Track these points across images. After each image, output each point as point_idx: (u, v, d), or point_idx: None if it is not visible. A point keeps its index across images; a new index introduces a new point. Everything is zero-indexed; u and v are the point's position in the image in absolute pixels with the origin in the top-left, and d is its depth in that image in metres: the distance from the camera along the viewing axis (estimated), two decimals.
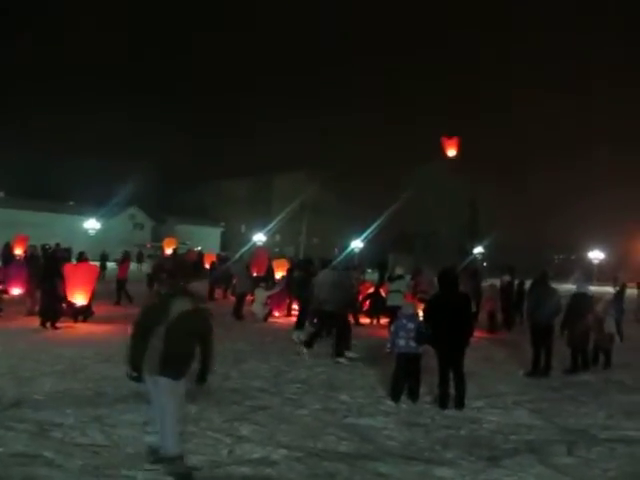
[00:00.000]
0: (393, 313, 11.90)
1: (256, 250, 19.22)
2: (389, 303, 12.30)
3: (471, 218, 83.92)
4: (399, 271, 12.78)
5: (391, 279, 12.64)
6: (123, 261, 17.81)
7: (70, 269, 12.66)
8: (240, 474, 4.77)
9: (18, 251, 20.69)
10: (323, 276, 11.00)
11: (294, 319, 14.19)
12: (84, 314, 12.59)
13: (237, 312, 14.83)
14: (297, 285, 13.94)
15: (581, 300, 9.46)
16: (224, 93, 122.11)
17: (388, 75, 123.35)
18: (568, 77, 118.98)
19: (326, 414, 6.56)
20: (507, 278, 15.59)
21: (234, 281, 18.64)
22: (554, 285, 9.97)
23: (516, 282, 15.73)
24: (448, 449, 5.58)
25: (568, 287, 10.02)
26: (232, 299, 17.32)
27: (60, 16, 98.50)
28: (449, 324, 6.95)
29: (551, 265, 58.62)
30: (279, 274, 19.57)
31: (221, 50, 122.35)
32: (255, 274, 18.59)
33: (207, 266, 22.70)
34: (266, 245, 38.94)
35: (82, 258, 15.12)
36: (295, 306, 15.07)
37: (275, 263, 21.07)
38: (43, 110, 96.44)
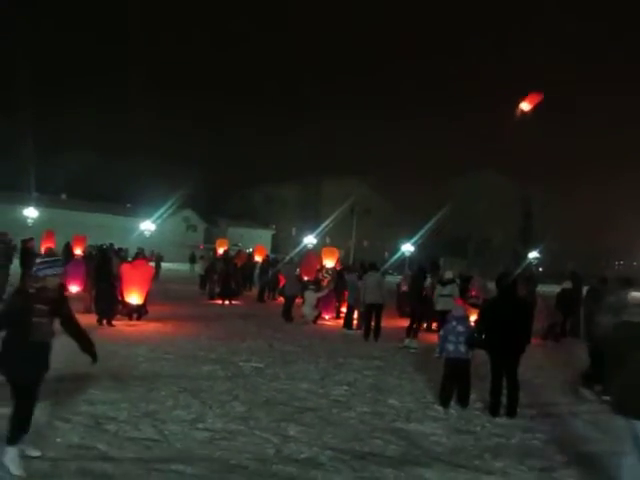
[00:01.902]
0: (443, 317, 11.89)
1: (306, 254, 19.27)
2: (439, 307, 12.20)
3: (525, 223, 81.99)
4: (449, 275, 12.61)
5: (442, 283, 12.48)
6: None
7: (127, 269, 13.03)
8: (286, 474, 4.79)
9: (77, 251, 21.48)
10: (369, 278, 12.58)
11: (342, 322, 14.25)
12: (139, 312, 12.92)
13: (287, 314, 14.93)
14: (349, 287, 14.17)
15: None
16: (273, 97, 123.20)
17: (439, 79, 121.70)
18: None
19: (374, 418, 6.51)
20: (568, 285, 15.03)
21: (282, 283, 18.81)
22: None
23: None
24: (498, 458, 5.44)
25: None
26: (281, 300, 17.47)
27: (125, 14, 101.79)
28: (504, 329, 6.76)
29: (609, 271, 56.48)
30: (329, 262, 19.64)
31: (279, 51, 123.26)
32: (305, 278, 18.67)
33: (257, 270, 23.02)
34: (316, 248, 39.02)
35: (139, 255, 15.54)
36: (343, 309, 15.07)
37: (324, 251, 21.13)
38: (103, 111, 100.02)
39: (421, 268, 14.10)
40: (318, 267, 19.75)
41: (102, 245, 18.10)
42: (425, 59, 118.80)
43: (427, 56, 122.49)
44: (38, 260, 5.00)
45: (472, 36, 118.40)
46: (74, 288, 16.26)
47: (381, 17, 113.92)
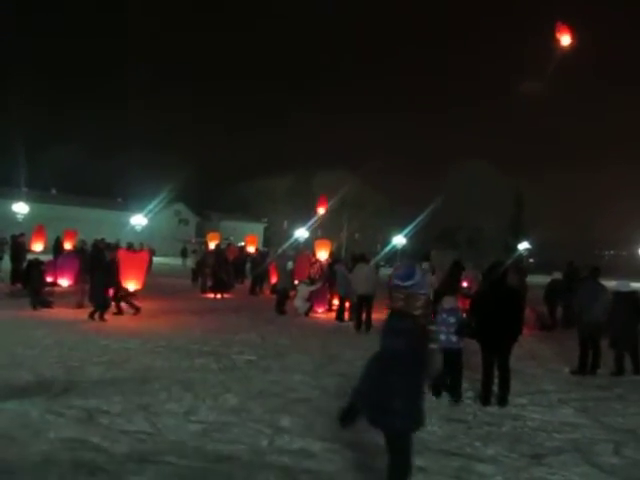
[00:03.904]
0: None
1: (300, 256, 19.32)
2: None
3: (516, 214, 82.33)
4: (425, 266, 12.67)
5: None
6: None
7: (123, 255, 13.02)
8: (280, 464, 4.83)
9: (67, 245, 21.40)
10: (359, 270, 12.79)
11: (334, 314, 14.29)
12: (133, 306, 12.85)
13: (279, 307, 14.95)
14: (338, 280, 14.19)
15: (623, 299, 9.07)
16: (262, 91, 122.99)
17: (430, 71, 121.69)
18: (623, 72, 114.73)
19: None
20: (558, 275, 15.15)
21: (273, 276, 18.79)
22: (604, 282, 9.65)
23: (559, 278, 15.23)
24: (489, 445, 5.50)
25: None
26: (270, 294, 17.46)
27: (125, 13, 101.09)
28: (496, 319, 6.80)
29: (600, 261, 56.92)
30: (322, 254, 19.66)
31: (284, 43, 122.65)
32: (297, 281, 18.57)
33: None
34: (307, 241, 39.02)
35: (130, 249, 15.55)
36: (335, 301, 15.12)
37: (317, 243, 21.18)
38: (94, 108, 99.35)
39: (457, 262, 13.89)
40: (313, 261, 19.76)
41: (96, 240, 18.04)
42: (419, 50, 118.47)
43: (421, 47, 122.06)
44: None
45: (462, 28, 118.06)
46: (65, 282, 16.22)
47: (377, 3, 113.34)
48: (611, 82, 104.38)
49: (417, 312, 9.09)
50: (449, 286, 12.72)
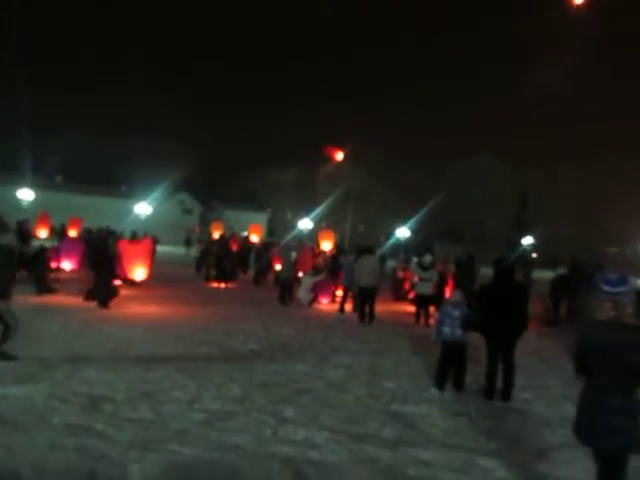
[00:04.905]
0: (422, 301, 12.27)
1: (301, 248, 19.35)
2: (418, 291, 12.50)
3: (521, 209, 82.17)
4: (428, 259, 12.72)
5: (423, 267, 12.62)
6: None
7: (125, 246, 13.00)
8: (283, 454, 4.83)
9: (72, 233, 21.43)
10: (364, 261, 12.64)
11: (338, 305, 14.29)
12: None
13: (282, 297, 14.95)
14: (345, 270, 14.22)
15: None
16: (267, 85, 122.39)
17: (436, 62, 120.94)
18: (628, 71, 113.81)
19: (370, 400, 6.55)
20: (563, 270, 15.10)
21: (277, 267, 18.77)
22: None
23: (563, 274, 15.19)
24: (493, 440, 5.50)
25: None
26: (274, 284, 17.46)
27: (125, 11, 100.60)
28: (501, 313, 6.79)
29: (603, 257, 56.77)
30: (326, 244, 19.71)
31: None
32: (301, 274, 18.58)
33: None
34: (311, 232, 39.01)
35: (133, 239, 15.55)
36: (339, 292, 15.11)
37: (321, 234, 21.25)
38: (99, 94, 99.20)
39: (471, 256, 14.04)
40: (317, 251, 19.76)
41: (100, 228, 18.06)
42: (424, 44, 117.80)
43: (426, 41, 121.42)
44: None
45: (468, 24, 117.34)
46: (68, 265, 16.26)
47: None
48: (613, 79, 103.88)
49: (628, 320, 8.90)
50: (466, 279, 12.81)
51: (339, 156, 33.21)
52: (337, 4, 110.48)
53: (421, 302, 12.63)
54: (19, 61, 77.33)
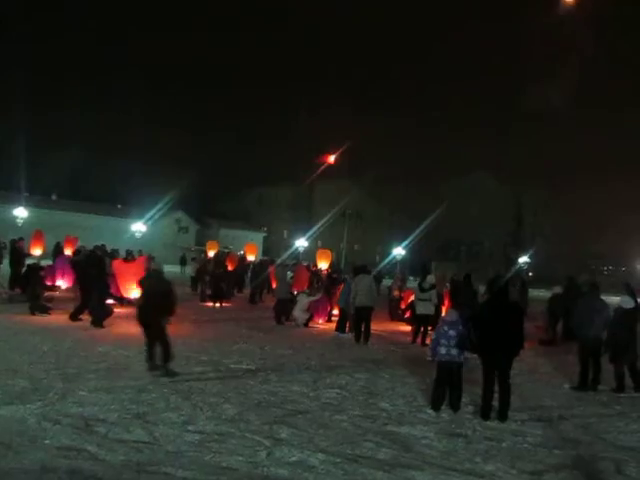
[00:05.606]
0: (421, 321, 12.22)
1: (297, 268, 19.43)
2: (418, 311, 12.45)
3: (516, 227, 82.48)
4: (431, 281, 12.68)
5: (422, 289, 12.58)
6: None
7: (119, 265, 12.94)
8: (278, 476, 4.77)
9: (67, 252, 21.32)
10: (360, 280, 12.61)
11: (334, 325, 14.22)
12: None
13: (278, 317, 14.88)
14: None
15: (624, 315, 9.01)
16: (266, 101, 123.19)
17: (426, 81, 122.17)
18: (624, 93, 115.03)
19: (365, 421, 6.50)
20: (558, 290, 15.09)
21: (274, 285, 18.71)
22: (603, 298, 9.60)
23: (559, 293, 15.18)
24: (489, 461, 5.44)
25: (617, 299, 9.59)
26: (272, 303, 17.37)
27: (121, 16, 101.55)
28: (497, 333, 6.77)
29: (599, 276, 56.88)
30: (323, 264, 19.71)
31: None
32: (296, 291, 18.52)
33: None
34: (307, 251, 39.01)
35: (129, 258, 15.49)
36: (335, 311, 15.06)
37: (319, 253, 21.29)
38: (95, 111, 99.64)
39: (468, 275, 14.02)
40: (314, 269, 19.75)
41: (95, 246, 17.92)
42: (421, 61, 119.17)
43: (423, 57, 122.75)
44: None
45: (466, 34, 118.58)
46: (64, 284, 16.19)
47: (381, 16, 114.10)
48: (614, 101, 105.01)
49: None
50: (465, 298, 12.77)
51: (331, 159, 33.50)
52: (338, 10, 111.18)
53: (420, 322, 12.57)
54: (14, 77, 77.68)
